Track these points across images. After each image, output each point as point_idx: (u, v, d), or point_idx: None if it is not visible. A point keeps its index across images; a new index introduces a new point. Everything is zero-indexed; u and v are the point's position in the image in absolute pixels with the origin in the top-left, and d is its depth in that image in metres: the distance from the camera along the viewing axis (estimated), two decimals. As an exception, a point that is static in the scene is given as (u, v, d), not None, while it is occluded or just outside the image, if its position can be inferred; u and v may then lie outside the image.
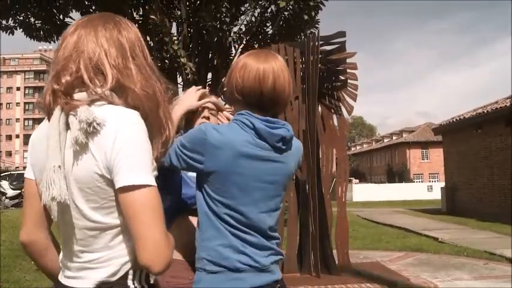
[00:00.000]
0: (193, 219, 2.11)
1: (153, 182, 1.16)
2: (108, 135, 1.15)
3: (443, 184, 20.49)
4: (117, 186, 1.14)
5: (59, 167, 1.16)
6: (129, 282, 1.22)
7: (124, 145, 1.15)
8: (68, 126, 1.19)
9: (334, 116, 6.23)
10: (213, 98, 2.15)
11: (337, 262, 5.96)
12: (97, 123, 1.15)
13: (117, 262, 1.21)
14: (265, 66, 1.66)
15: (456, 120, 17.48)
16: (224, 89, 1.80)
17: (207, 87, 11.58)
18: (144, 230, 1.13)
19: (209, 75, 11.76)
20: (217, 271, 1.60)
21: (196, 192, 1.69)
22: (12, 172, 26.70)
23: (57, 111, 1.21)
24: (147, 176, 1.15)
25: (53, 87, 1.22)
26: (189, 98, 1.89)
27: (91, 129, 1.14)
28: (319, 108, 6.11)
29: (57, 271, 1.34)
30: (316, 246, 5.76)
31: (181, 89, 10.89)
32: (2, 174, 23.22)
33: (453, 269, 7.09)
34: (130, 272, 1.21)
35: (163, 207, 1.19)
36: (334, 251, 6.05)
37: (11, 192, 20.61)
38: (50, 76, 1.25)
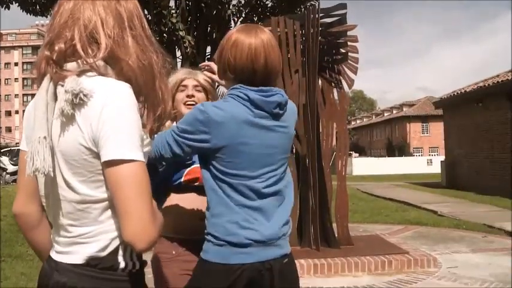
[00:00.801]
0: (180, 196, 2.10)
1: (141, 157, 1.12)
2: (95, 107, 1.11)
3: (443, 158, 20.51)
4: (103, 160, 1.10)
5: (44, 138, 1.13)
6: (120, 258, 1.19)
7: (111, 118, 1.10)
8: (55, 97, 1.15)
9: (335, 90, 6.17)
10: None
11: (336, 235, 6.00)
12: (84, 95, 1.10)
13: (106, 237, 1.18)
14: (256, 42, 1.67)
15: (457, 94, 17.38)
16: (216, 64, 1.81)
17: (206, 61, 11.46)
18: (129, 206, 1.09)
19: (208, 49, 11.63)
20: (223, 244, 1.63)
21: (202, 172, 1.71)
22: (12, 148, 26.75)
23: (45, 81, 1.18)
24: (134, 150, 1.11)
25: (45, 54, 1.18)
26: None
27: (77, 101, 1.10)
28: (319, 81, 6.05)
29: (46, 247, 1.32)
30: (316, 220, 5.78)
31: (180, 63, 10.79)
32: (2, 150, 23.27)
33: (452, 242, 7.15)
34: (121, 247, 1.19)
35: (153, 185, 1.15)
36: (334, 225, 6.08)
37: (11, 168, 20.68)
38: (44, 43, 1.21)
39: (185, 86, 2.20)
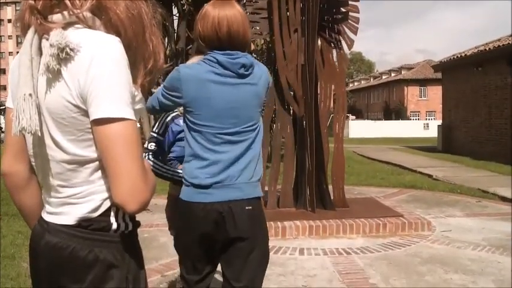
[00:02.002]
0: None
1: (131, 115, 1.06)
2: (83, 61, 1.04)
3: (439, 122, 20.50)
4: (91, 118, 1.05)
5: (30, 95, 1.06)
6: (112, 219, 1.15)
7: (99, 73, 1.04)
8: (40, 51, 1.08)
9: (334, 51, 6.06)
10: None
11: (332, 197, 6.02)
12: (70, 49, 1.04)
13: (98, 197, 1.14)
14: (220, 14, 1.94)
15: (457, 57, 17.19)
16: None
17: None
18: (118, 166, 1.04)
19: (205, 7, 11.36)
20: (189, 185, 1.98)
21: (183, 125, 2.05)
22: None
23: (29, 33, 1.10)
24: (124, 108, 1.05)
25: (29, 3, 1.10)
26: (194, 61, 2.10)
27: (63, 55, 1.04)
28: (319, 41, 5.93)
29: (35, 209, 1.28)
30: (312, 182, 5.78)
31: (177, 20, 10.55)
32: (-3, 108, 23.08)
33: (446, 206, 7.21)
34: (113, 208, 1.15)
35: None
36: (330, 187, 6.09)
37: (7, 126, 20.57)
38: None
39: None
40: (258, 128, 2.05)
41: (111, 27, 1.12)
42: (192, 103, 1.95)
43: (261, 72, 2.04)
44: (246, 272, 2.01)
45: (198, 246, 2.04)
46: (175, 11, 10.55)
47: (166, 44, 10.18)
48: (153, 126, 2.60)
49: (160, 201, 6.51)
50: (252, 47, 10.76)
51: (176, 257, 2.32)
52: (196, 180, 1.95)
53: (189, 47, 10.70)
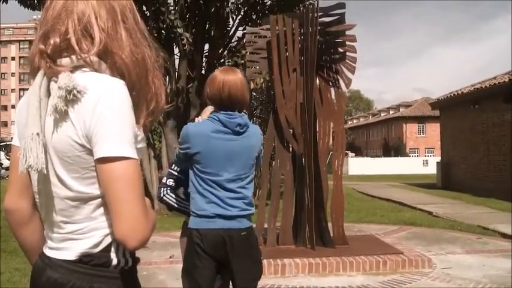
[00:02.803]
0: None
1: (133, 155, 1.10)
2: (89, 103, 1.10)
3: (438, 159, 20.54)
4: (95, 157, 1.09)
5: (37, 134, 1.11)
6: (112, 255, 1.18)
7: (104, 114, 1.09)
8: (48, 93, 1.14)
9: (332, 89, 6.16)
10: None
11: (331, 235, 6.00)
12: (77, 91, 1.09)
13: (99, 233, 1.17)
14: (224, 78, 2.41)
15: (454, 95, 17.40)
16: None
17: (204, 59, 11.41)
18: (120, 204, 1.07)
19: (206, 46, 11.57)
20: (197, 216, 2.41)
21: (189, 170, 2.48)
22: (8, 143, 26.65)
23: (39, 76, 1.16)
24: (127, 148, 1.09)
25: (39, 48, 1.16)
26: (206, 113, 2.58)
27: (71, 97, 1.09)
28: (317, 80, 6.04)
29: (36, 245, 1.30)
30: (312, 219, 5.77)
31: (178, 60, 10.74)
32: (-2, 145, 23.18)
33: (446, 243, 7.17)
34: (113, 244, 1.17)
35: None
36: (329, 224, 6.07)
37: (7, 163, 20.62)
38: (38, 36, 1.19)
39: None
40: (250, 176, 2.49)
41: (116, 71, 1.17)
42: (198, 154, 2.39)
43: (255, 130, 2.54)
44: (245, 276, 2.45)
45: (204, 266, 2.39)
46: (176, 50, 10.75)
47: (167, 83, 10.32)
48: (171, 164, 2.88)
49: (159, 238, 6.48)
50: (252, 85, 10.91)
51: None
52: (203, 212, 2.39)
53: (189, 86, 10.86)
